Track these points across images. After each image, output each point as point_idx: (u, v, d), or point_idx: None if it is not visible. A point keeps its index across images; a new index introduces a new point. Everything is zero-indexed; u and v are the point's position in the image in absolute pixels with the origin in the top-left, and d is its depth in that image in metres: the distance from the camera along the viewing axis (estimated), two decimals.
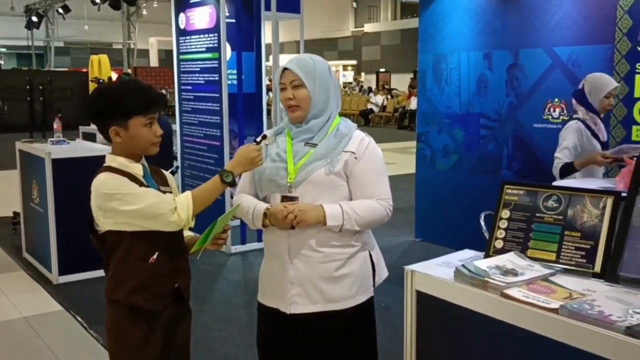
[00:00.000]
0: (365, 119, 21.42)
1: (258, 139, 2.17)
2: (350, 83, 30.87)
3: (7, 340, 3.90)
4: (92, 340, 3.84)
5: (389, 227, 6.70)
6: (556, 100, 4.84)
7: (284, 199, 2.15)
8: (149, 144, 2.08)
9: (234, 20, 5.90)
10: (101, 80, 11.17)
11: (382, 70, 30.49)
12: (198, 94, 6.08)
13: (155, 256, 2.07)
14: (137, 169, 2.08)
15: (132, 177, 2.04)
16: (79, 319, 4.16)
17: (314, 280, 2.16)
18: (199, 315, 4.16)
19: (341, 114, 2.30)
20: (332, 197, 2.15)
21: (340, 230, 2.13)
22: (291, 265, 2.17)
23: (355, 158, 2.16)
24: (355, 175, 2.17)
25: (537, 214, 1.83)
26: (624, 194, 1.73)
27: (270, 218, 2.14)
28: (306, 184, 2.13)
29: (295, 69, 2.15)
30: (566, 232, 1.77)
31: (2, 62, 23.45)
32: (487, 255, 1.86)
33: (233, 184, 2.09)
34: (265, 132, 2.36)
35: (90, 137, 6.78)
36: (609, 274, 1.66)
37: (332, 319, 2.18)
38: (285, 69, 2.18)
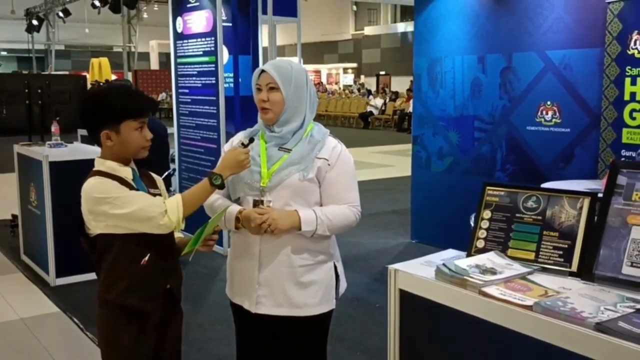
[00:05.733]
0: (364, 122, 21.48)
1: (245, 142, 2.20)
2: (350, 86, 30.94)
3: (4, 341, 3.94)
4: (88, 342, 3.88)
5: (385, 229, 6.80)
6: (548, 103, 4.88)
7: (256, 203, 2.19)
8: (139, 147, 2.12)
9: (230, 24, 5.95)
10: (101, 84, 11.22)
11: (382, 73, 30.57)
12: (195, 97, 6.12)
13: (146, 258, 2.11)
14: (127, 172, 2.12)
15: (121, 181, 2.07)
16: (76, 320, 4.20)
17: (281, 284, 2.21)
18: (195, 316, 4.20)
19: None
20: (304, 201, 2.19)
21: (312, 235, 2.17)
22: (261, 267, 2.21)
23: (329, 165, 2.21)
24: (328, 182, 2.21)
25: (517, 215, 1.87)
26: (600, 195, 1.77)
27: (243, 222, 2.17)
28: (279, 188, 2.17)
29: (273, 72, 2.18)
30: (545, 232, 1.81)
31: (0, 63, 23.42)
32: (469, 255, 1.91)
33: (222, 187, 2.13)
34: (239, 134, 2.38)
35: (89, 140, 6.82)
36: (585, 273, 1.70)
37: (294, 324, 2.24)
38: (262, 71, 2.22)
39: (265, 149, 2.23)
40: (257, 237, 2.19)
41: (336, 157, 2.23)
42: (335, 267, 2.34)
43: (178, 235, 2.29)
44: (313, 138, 2.23)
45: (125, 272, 2.11)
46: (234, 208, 2.22)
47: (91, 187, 2.05)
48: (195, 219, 2.21)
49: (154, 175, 2.31)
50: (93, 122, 2.10)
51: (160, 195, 2.21)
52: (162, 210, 2.03)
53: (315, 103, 2.30)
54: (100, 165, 2.12)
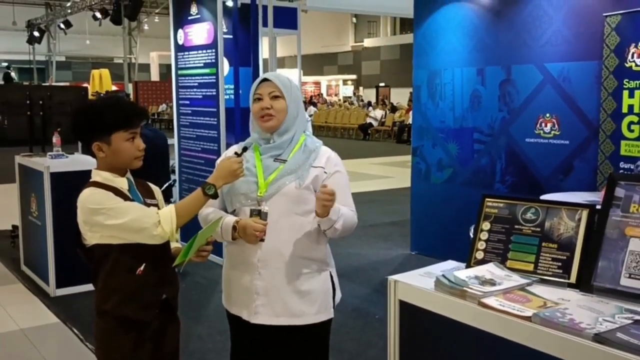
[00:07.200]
0: (364, 133, 21.53)
1: (239, 151, 2.23)
2: (350, 97, 31.04)
3: (3, 351, 3.94)
4: (87, 352, 3.87)
5: (385, 240, 6.80)
6: (547, 115, 4.91)
7: (253, 212, 2.20)
8: (132, 158, 2.14)
9: (231, 36, 5.99)
10: (102, 95, 11.27)
11: (381, 84, 30.68)
12: (196, 109, 6.16)
13: (142, 267, 2.12)
14: (122, 182, 2.15)
15: (117, 191, 2.10)
16: (75, 331, 4.20)
17: (280, 293, 2.22)
18: (194, 327, 4.21)
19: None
20: (300, 210, 2.22)
21: (327, 229, 2.19)
22: (259, 276, 2.22)
23: (325, 173, 2.25)
24: None
25: (516, 226, 1.89)
26: (598, 207, 1.79)
27: (240, 231, 2.18)
28: (276, 197, 2.20)
29: (276, 81, 2.25)
30: (543, 244, 1.83)
31: (15, 76, 23.28)
32: (468, 266, 1.92)
33: (215, 196, 2.15)
34: (232, 147, 2.41)
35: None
36: (583, 284, 1.71)
37: (292, 333, 2.25)
38: (263, 80, 2.26)
39: (260, 160, 2.26)
40: (256, 246, 2.21)
41: (332, 165, 2.28)
42: (331, 276, 2.36)
43: (175, 245, 2.30)
44: (307, 148, 2.27)
45: (121, 282, 2.12)
46: (230, 219, 2.23)
47: (86, 198, 2.08)
48: (192, 228, 2.22)
49: (151, 185, 2.33)
50: (84, 135, 2.14)
51: (157, 205, 2.23)
52: (155, 221, 2.06)
53: (306, 118, 2.38)
54: (96, 176, 2.14)
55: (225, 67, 5.91)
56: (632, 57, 4.13)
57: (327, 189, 2.06)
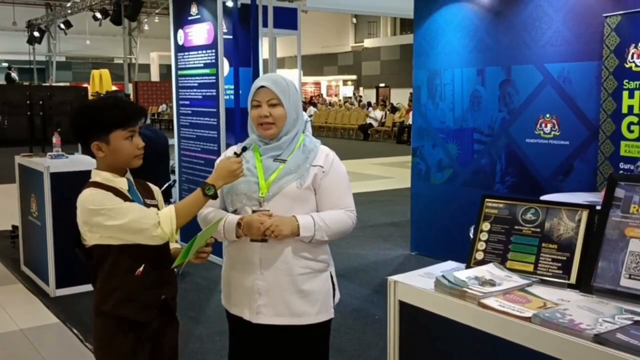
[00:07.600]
0: (364, 134, 21.53)
1: (238, 151, 2.23)
2: (350, 98, 31.03)
3: (3, 352, 3.94)
4: (87, 353, 3.87)
5: (385, 240, 6.81)
6: (547, 115, 4.91)
7: (255, 213, 2.19)
8: (131, 157, 2.14)
9: (231, 37, 5.99)
10: (102, 95, 11.27)
11: (381, 85, 30.67)
12: (196, 109, 6.16)
13: (141, 268, 2.12)
14: (122, 183, 2.14)
15: (116, 192, 2.09)
16: (75, 331, 4.20)
17: (282, 293, 2.22)
18: (194, 327, 4.21)
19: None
20: (302, 209, 2.22)
21: (311, 240, 2.20)
22: (260, 276, 2.23)
23: (323, 172, 2.25)
24: (324, 189, 2.25)
25: (516, 227, 1.89)
26: (598, 207, 1.79)
27: (244, 229, 2.19)
28: (278, 197, 2.20)
29: (273, 88, 2.22)
30: (543, 244, 1.83)
31: (16, 77, 23.16)
32: (468, 267, 1.92)
33: (215, 197, 2.15)
34: (231, 148, 2.41)
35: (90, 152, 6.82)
36: (583, 285, 1.71)
37: (293, 332, 2.25)
38: (261, 87, 2.24)
39: (260, 160, 2.26)
40: (257, 246, 2.21)
41: (330, 164, 2.28)
42: (332, 276, 2.36)
43: (174, 245, 2.30)
44: (306, 147, 2.28)
45: (120, 282, 2.12)
46: (233, 217, 2.23)
47: (85, 198, 2.07)
48: (192, 229, 2.22)
49: (151, 185, 2.33)
50: (83, 135, 2.13)
51: (156, 205, 2.23)
52: (155, 222, 2.05)
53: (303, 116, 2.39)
54: (95, 176, 2.14)
55: (225, 67, 5.91)
56: (632, 57, 4.13)
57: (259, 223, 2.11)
